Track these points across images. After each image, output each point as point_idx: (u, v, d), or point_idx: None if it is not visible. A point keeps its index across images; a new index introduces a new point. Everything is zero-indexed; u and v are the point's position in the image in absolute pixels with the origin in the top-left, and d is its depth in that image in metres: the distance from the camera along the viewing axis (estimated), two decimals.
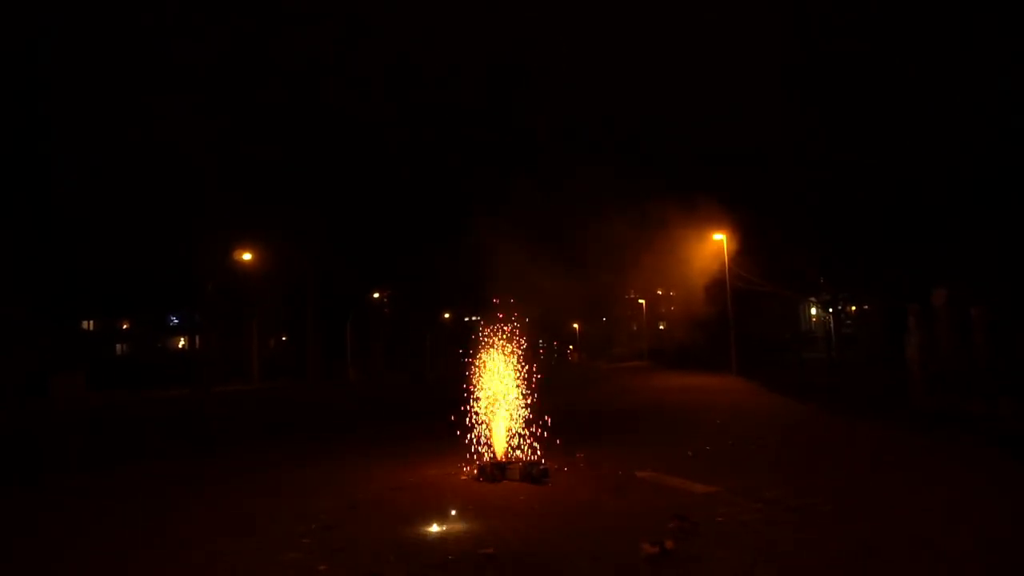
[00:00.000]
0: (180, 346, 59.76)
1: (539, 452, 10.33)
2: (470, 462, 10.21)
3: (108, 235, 38.25)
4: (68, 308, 47.89)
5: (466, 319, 61.51)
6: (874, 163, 26.73)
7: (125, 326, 60.78)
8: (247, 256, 41.07)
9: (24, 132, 33.16)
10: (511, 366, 10.50)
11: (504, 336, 10.49)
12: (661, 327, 65.43)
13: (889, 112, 25.97)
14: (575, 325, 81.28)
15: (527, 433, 10.41)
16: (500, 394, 10.37)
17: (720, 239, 34.34)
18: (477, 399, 10.46)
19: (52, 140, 34.96)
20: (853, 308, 40.34)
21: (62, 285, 41.63)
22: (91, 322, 57.77)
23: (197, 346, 46.49)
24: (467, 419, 10.53)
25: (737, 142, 31.14)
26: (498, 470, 9.70)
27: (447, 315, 64.63)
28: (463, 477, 9.94)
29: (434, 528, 7.40)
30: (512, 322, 10.51)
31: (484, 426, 10.43)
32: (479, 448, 10.35)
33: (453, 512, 8.04)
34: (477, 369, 10.53)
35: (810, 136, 28.25)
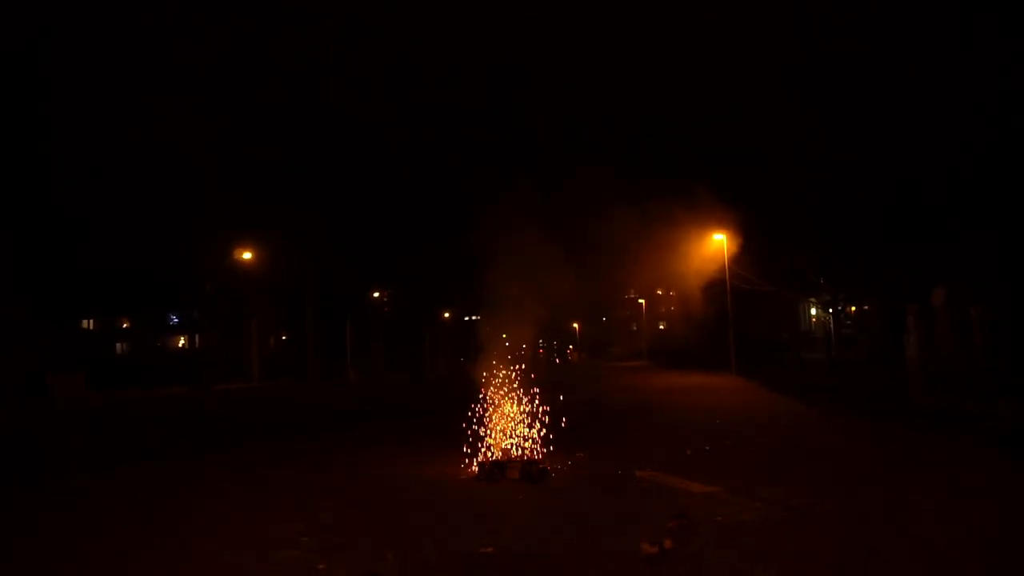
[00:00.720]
0: (180, 345, 59.74)
1: (539, 451, 10.35)
2: (470, 461, 10.22)
3: (108, 235, 38.20)
4: (68, 308, 47.83)
5: (466, 318, 61.50)
6: (874, 163, 26.70)
7: (125, 325, 60.77)
8: (247, 255, 41.04)
9: (24, 132, 33.10)
10: (511, 367, 10.52)
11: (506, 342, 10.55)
12: (661, 327, 65.45)
13: (889, 112, 25.94)
14: (575, 325, 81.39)
15: (527, 432, 10.42)
16: (500, 394, 10.40)
17: (720, 239, 34.37)
18: (477, 399, 10.49)
19: (52, 140, 34.90)
20: (853, 308, 40.33)
21: (62, 285, 41.59)
22: (91, 321, 57.73)
23: (197, 345, 46.50)
24: (467, 419, 10.54)
25: (737, 142, 31.09)
26: (498, 469, 9.70)
27: (447, 314, 64.61)
28: (463, 476, 9.95)
29: (433, 527, 7.40)
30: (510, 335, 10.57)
31: (484, 425, 10.44)
32: (479, 447, 10.37)
33: (452, 511, 8.05)
34: (477, 370, 10.56)
35: (810, 136, 28.22)
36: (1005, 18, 22.12)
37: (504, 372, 10.53)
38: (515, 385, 10.53)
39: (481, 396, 10.54)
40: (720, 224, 33.47)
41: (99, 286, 47.02)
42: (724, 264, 34.23)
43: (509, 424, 10.39)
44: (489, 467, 9.76)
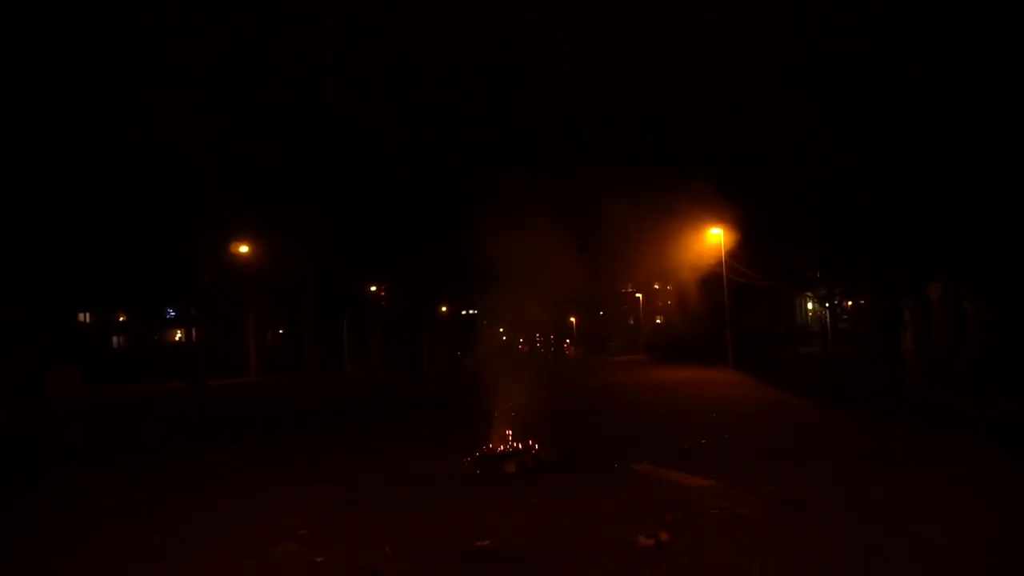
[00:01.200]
0: (177, 339, 59.63)
1: (537, 444, 10.34)
2: (468, 455, 10.24)
3: (108, 235, 38.26)
4: (67, 306, 47.84)
5: (463, 312, 61.57)
6: (874, 163, 26.69)
7: (121, 319, 60.67)
8: (244, 249, 41.08)
9: (24, 132, 33.11)
10: (509, 364, 10.54)
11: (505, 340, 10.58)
12: (658, 321, 65.35)
13: (889, 112, 25.93)
14: (572, 319, 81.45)
15: (525, 426, 10.42)
16: (496, 389, 10.39)
17: (717, 233, 34.43)
18: (473, 394, 10.51)
19: (52, 140, 34.91)
20: (849, 303, 40.32)
21: (61, 284, 41.62)
22: (87, 315, 57.56)
23: (194, 340, 46.54)
24: (463, 413, 10.56)
25: (737, 142, 31.13)
26: (495, 463, 9.70)
27: (444, 308, 64.67)
28: (460, 470, 9.96)
29: (431, 521, 7.41)
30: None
31: (480, 420, 10.44)
32: (475, 441, 10.38)
33: (450, 505, 8.05)
34: (474, 366, 10.59)
35: (810, 136, 28.22)
36: (1005, 18, 22.10)
37: (501, 367, 10.54)
38: (512, 380, 10.52)
39: (477, 391, 10.55)
40: (718, 219, 33.57)
41: (97, 282, 46.98)
42: (721, 259, 34.29)
43: (505, 418, 10.38)
44: (487, 460, 9.76)
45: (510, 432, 10.39)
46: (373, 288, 56.92)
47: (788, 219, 31.91)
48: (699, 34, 31.03)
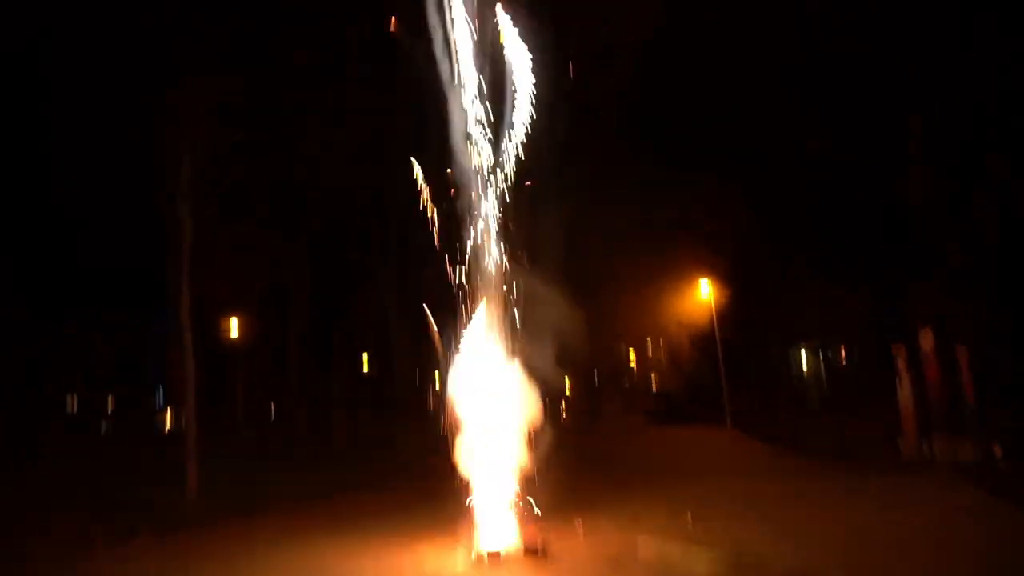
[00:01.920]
0: None
1: (537, 518, 10.10)
2: (466, 535, 10.00)
3: (107, 236, 38.24)
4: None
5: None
6: (874, 163, 26.68)
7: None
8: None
9: (24, 132, 33.09)
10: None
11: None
12: (653, 380, 64.25)
13: (889, 112, 25.89)
14: (566, 378, 79.09)
15: (524, 499, 10.19)
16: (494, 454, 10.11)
17: (706, 282, 34.07)
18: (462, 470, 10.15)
19: (52, 140, 34.89)
20: (844, 353, 39.99)
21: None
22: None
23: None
24: (456, 490, 10.21)
25: (737, 142, 31.08)
26: (498, 549, 9.47)
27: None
28: (460, 559, 9.71)
29: None
30: None
31: (477, 490, 10.10)
32: (474, 518, 10.08)
33: None
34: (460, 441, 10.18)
35: (810, 136, 28.18)
36: (1005, 18, 22.04)
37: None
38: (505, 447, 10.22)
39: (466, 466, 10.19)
40: (705, 267, 33.46)
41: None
42: (712, 316, 33.91)
43: (505, 488, 10.13)
44: (488, 553, 9.46)
45: (510, 506, 10.08)
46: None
47: (788, 219, 31.90)
48: (699, 34, 30.89)
